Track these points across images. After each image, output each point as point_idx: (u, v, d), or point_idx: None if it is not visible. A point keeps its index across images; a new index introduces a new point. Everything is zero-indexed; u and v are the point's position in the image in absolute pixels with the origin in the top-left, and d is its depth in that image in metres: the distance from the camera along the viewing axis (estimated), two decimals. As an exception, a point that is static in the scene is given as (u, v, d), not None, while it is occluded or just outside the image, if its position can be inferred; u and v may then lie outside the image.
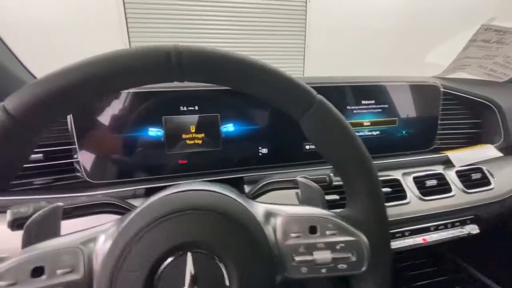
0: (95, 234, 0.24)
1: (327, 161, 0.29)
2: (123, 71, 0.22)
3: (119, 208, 0.36)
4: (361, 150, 0.27)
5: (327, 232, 0.26)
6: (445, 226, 0.54)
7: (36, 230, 0.28)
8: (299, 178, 0.36)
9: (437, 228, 0.54)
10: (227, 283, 0.23)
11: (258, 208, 0.28)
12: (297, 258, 0.26)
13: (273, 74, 0.25)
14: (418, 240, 0.52)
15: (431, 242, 0.53)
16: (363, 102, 0.59)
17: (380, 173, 0.56)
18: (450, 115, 0.65)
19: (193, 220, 0.23)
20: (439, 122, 0.64)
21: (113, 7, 2.21)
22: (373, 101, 0.59)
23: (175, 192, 0.25)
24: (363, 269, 0.26)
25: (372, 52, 2.95)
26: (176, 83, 0.49)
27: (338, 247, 0.26)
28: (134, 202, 0.45)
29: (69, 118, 0.46)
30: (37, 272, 0.21)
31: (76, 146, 0.46)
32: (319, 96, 0.26)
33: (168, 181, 0.50)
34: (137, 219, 0.24)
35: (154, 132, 0.49)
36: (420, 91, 0.62)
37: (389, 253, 0.28)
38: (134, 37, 2.37)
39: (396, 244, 0.52)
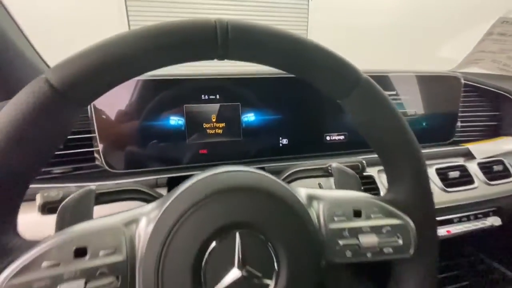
0: (137, 216, 0.23)
1: (370, 142, 0.28)
2: (166, 46, 0.21)
3: (147, 196, 0.35)
4: (407, 131, 0.26)
5: (372, 216, 0.26)
6: (468, 218, 0.54)
7: (70, 214, 0.27)
8: (334, 164, 0.35)
9: (460, 220, 0.53)
10: (275, 265, 0.22)
11: (301, 192, 0.27)
12: (342, 242, 0.25)
13: (323, 53, 0.24)
14: (442, 232, 0.52)
15: (455, 233, 0.52)
16: (384, 92, 0.58)
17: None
18: (470, 107, 0.64)
19: (241, 200, 0.22)
20: (459, 114, 0.63)
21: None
22: (394, 92, 0.58)
23: (218, 173, 0.24)
24: (411, 252, 0.25)
25: (376, 50, 2.94)
26: (198, 70, 0.48)
27: (384, 230, 0.25)
28: (160, 191, 0.44)
29: (90, 105, 0.45)
30: (80, 252, 0.20)
31: (96, 134, 0.45)
32: (365, 76, 0.26)
33: (189, 171, 0.49)
34: (180, 200, 0.23)
35: (175, 121, 0.48)
36: (441, 82, 0.61)
37: (436, 237, 0.27)
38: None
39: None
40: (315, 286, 0.23)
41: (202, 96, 0.49)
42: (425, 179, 0.27)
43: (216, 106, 0.49)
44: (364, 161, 0.38)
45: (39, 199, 0.28)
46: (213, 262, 0.21)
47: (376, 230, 0.25)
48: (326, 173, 0.38)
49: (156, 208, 0.24)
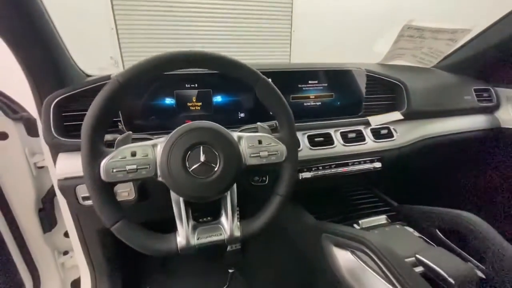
0: (156, 142, 0.51)
1: (270, 111, 0.57)
2: (170, 62, 0.48)
3: None
4: (286, 105, 0.55)
5: (266, 143, 0.55)
6: (359, 163, 0.85)
7: (121, 146, 0.55)
8: (258, 123, 0.64)
9: (353, 164, 0.84)
10: (218, 160, 0.51)
11: (234, 134, 0.56)
12: (252, 155, 0.54)
13: (234, 64, 0.51)
14: (340, 170, 0.82)
15: (349, 171, 0.83)
16: (309, 82, 0.86)
17: (319, 130, 0.85)
18: (373, 91, 0.94)
19: (202, 132, 0.51)
20: (365, 96, 0.92)
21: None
22: (316, 81, 0.86)
23: (192, 123, 0.53)
24: (283, 158, 0.55)
25: (359, 35, 3.16)
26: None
27: (271, 149, 0.55)
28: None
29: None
30: (133, 154, 0.49)
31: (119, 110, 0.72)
32: (263, 76, 0.54)
33: (179, 133, 0.77)
34: (173, 135, 0.51)
35: (169, 101, 0.75)
36: (350, 74, 0.89)
37: (296, 154, 0.57)
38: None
39: (326, 172, 0.82)
40: (236, 171, 0.52)
41: (186, 84, 0.75)
42: (293, 128, 0.56)
43: (196, 91, 0.76)
44: (277, 122, 0.67)
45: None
46: (191, 159, 0.50)
47: (267, 149, 0.54)
48: (256, 130, 0.67)
49: (164, 140, 0.52)
